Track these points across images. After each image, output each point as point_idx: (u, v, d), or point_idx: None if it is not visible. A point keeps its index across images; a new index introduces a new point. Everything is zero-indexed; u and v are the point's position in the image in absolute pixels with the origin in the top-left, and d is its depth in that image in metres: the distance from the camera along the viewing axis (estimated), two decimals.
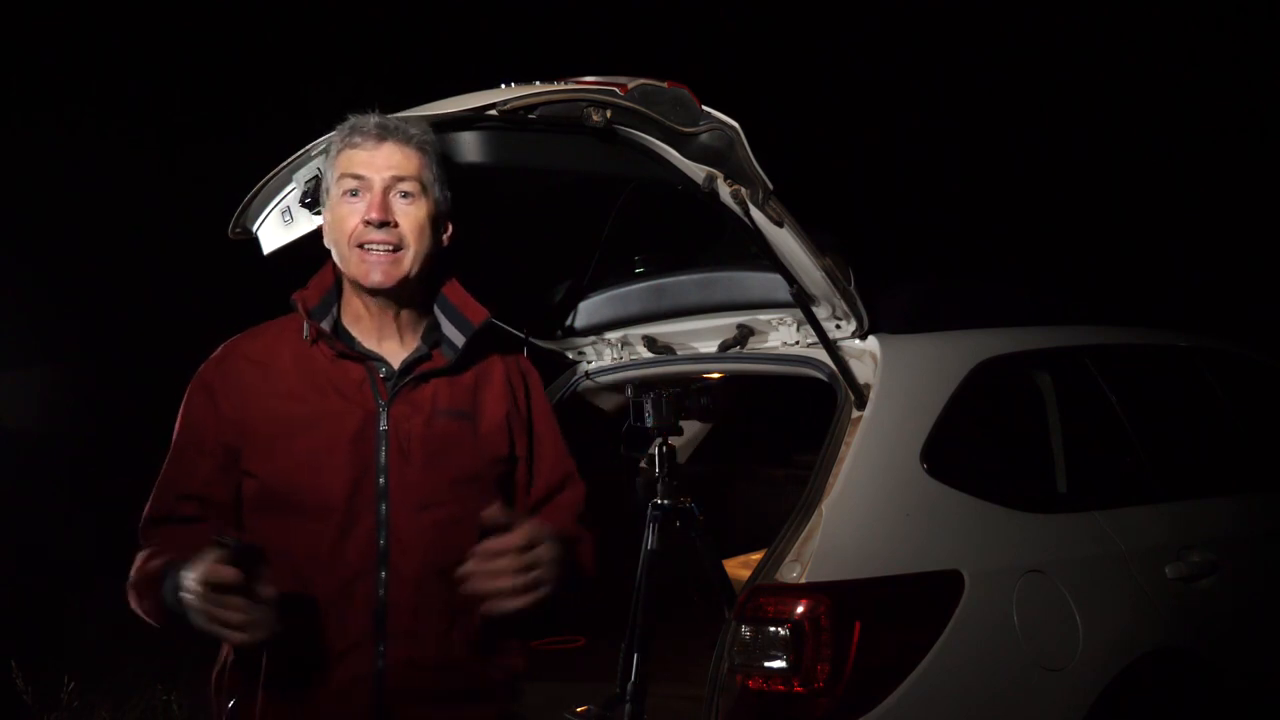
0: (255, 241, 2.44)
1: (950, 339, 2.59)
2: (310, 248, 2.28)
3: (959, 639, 2.15)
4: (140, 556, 1.81)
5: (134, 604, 1.81)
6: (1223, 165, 10.47)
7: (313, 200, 2.14)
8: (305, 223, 2.23)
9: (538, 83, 1.95)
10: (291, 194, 2.24)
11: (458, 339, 1.90)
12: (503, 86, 1.95)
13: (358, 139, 1.84)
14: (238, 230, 2.45)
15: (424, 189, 1.85)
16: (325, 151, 2.05)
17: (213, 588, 1.55)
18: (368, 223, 1.80)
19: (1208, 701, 2.60)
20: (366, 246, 1.81)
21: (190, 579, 1.57)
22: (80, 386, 7.55)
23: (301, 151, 2.15)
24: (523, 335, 2.99)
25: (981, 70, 11.02)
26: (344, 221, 1.83)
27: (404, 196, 1.83)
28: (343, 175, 1.84)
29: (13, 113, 7.99)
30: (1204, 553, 2.68)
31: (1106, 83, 11.12)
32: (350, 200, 1.83)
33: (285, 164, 2.20)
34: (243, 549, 1.58)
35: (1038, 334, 2.83)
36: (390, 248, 1.81)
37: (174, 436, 1.88)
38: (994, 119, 11.00)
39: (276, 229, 2.33)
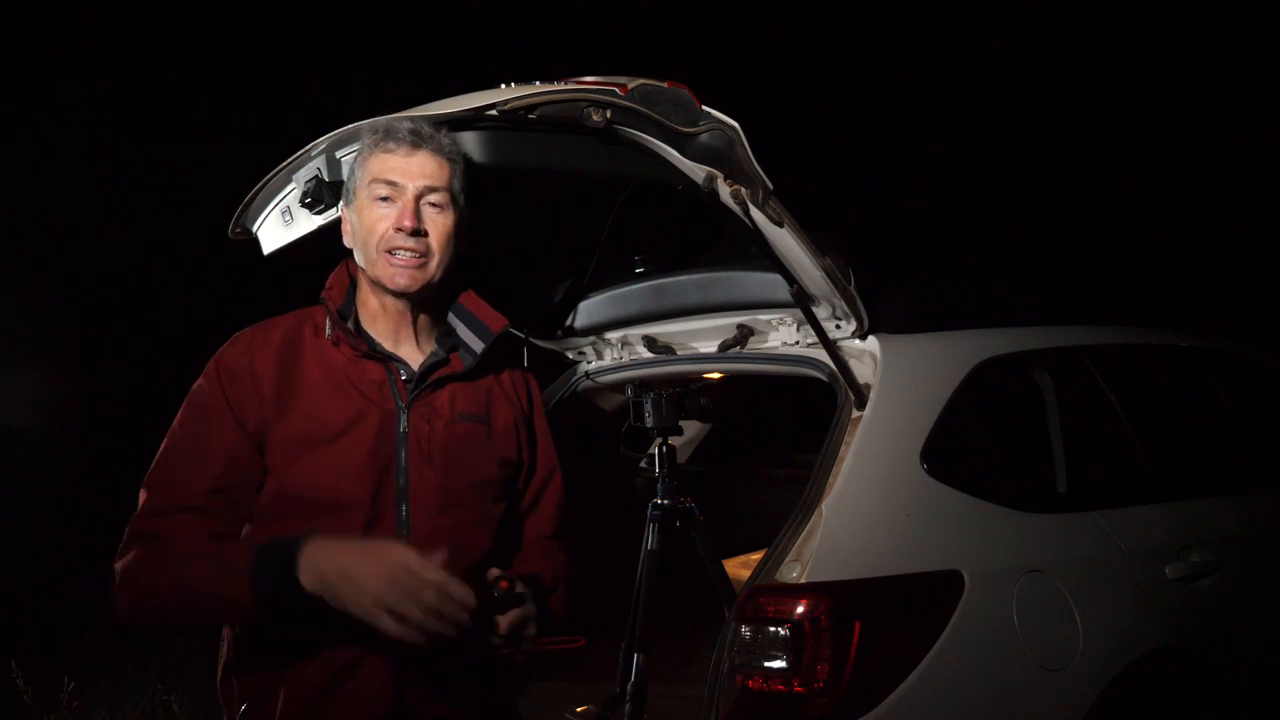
0: (255, 241, 2.44)
1: (950, 339, 2.59)
2: (310, 249, 2.29)
3: (959, 639, 2.15)
4: (144, 548, 1.69)
5: (151, 592, 1.68)
6: (1223, 165, 10.46)
7: (313, 200, 2.14)
8: (305, 223, 2.23)
9: (538, 83, 1.95)
10: (291, 194, 2.24)
11: (476, 345, 1.94)
12: (503, 86, 1.95)
13: (391, 144, 1.85)
14: (238, 230, 2.45)
15: (453, 199, 1.87)
16: (326, 151, 2.05)
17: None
18: (399, 230, 1.82)
19: (1208, 701, 2.60)
20: (395, 252, 1.83)
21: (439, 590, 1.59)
22: (79, 386, 7.55)
23: (301, 151, 2.15)
24: (523, 335, 2.99)
25: (982, 70, 11.01)
26: (374, 226, 1.84)
27: (433, 206, 1.85)
28: (374, 180, 1.85)
29: (13, 113, 7.99)
30: (1204, 553, 2.68)
31: (1107, 82, 11.12)
32: (381, 205, 1.84)
33: (285, 164, 2.20)
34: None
35: (1038, 334, 2.83)
36: (418, 255, 1.83)
37: (181, 424, 1.81)
38: (994, 119, 11.00)
39: (276, 229, 2.33)
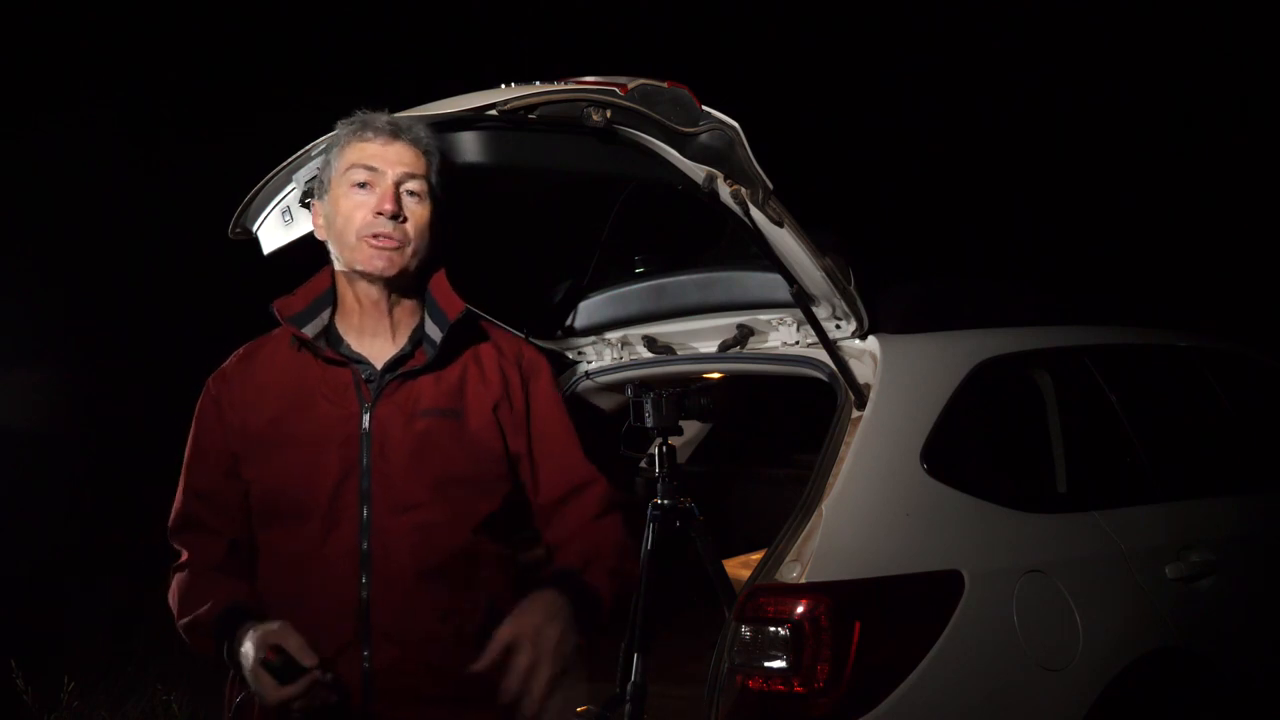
0: (255, 241, 2.44)
1: (950, 339, 2.59)
2: (310, 249, 2.29)
3: (959, 639, 2.15)
4: (176, 574, 1.90)
5: (177, 622, 1.88)
6: (1223, 165, 10.47)
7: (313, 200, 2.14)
8: (305, 223, 2.23)
9: (538, 83, 1.95)
10: (291, 194, 2.25)
11: (436, 335, 1.89)
12: (503, 86, 1.95)
13: (369, 134, 1.85)
14: (238, 230, 2.45)
15: (430, 191, 1.87)
16: (326, 150, 2.05)
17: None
18: (379, 214, 1.81)
19: (1208, 701, 2.60)
20: (377, 236, 1.82)
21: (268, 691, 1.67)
22: (79, 386, 7.55)
23: (301, 151, 2.15)
24: (523, 335, 2.99)
25: (982, 70, 11.02)
26: (352, 213, 1.83)
27: (411, 195, 1.85)
28: (353, 166, 1.84)
29: (13, 112, 7.99)
30: (1204, 553, 2.68)
31: (1107, 82, 11.13)
32: (359, 192, 1.84)
33: (285, 164, 2.21)
34: (285, 667, 1.67)
35: (1038, 334, 2.83)
36: (396, 242, 1.83)
37: (188, 446, 1.93)
38: (994, 119, 11.00)
39: (276, 229, 2.33)
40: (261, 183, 2.29)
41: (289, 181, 2.24)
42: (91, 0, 8.52)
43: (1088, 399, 2.85)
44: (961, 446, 2.41)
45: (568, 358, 3.22)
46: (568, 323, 3.03)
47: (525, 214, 2.66)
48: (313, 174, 2.13)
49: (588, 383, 3.17)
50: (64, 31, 8.51)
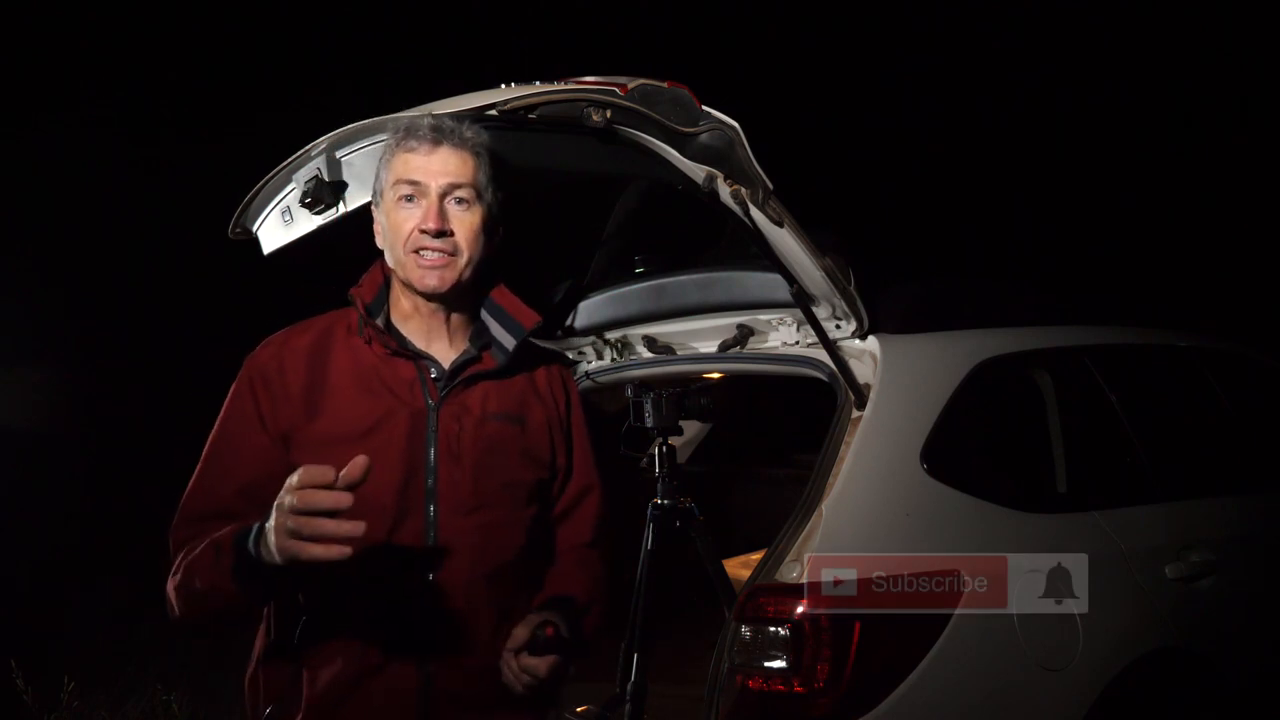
0: (255, 241, 2.44)
1: (950, 339, 2.59)
2: (310, 248, 2.29)
3: (959, 639, 2.15)
4: (183, 553, 1.73)
5: (184, 592, 1.70)
6: (1223, 165, 10.46)
7: (313, 200, 2.15)
8: (305, 222, 2.24)
9: (538, 83, 1.95)
10: (291, 194, 2.25)
11: (508, 342, 1.91)
12: (503, 86, 1.95)
13: (413, 142, 1.83)
14: (238, 230, 2.45)
15: (478, 195, 1.86)
16: (327, 151, 2.06)
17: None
18: (424, 231, 1.81)
19: (1208, 701, 2.60)
20: (422, 252, 1.82)
21: (285, 501, 1.50)
22: (79, 386, 7.55)
23: (301, 151, 2.15)
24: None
25: (982, 70, 11.02)
26: (400, 227, 1.83)
27: (459, 203, 1.84)
28: (398, 181, 1.83)
29: (13, 112, 7.99)
30: (1204, 553, 2.68)
31: (1107, 82, 11.13)
32: (406, 206, 1.83)
33: (285, 164, 2.21)
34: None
35: (1038, 334, 2.83)
36: (445, 254, 1.82)
37: (217, 429, 1.84)
38: (994, 119, 11.00)
39: (276, 229, 2.33)
40: (261, 183, 2.29)
41: (289, 181, 2.24)
42: (91, 0, 8.52)
43: (1088, 399, 2.85)
44: (961, 446, 2.41)
45: (568, 358, 3.22)
46: (568, 323, 3.03)
47: (525, 214, 2.65)
48: (313, 174, 2.14)
49: (588, 383, 3.17)
50: (64, 31, 8.50)
